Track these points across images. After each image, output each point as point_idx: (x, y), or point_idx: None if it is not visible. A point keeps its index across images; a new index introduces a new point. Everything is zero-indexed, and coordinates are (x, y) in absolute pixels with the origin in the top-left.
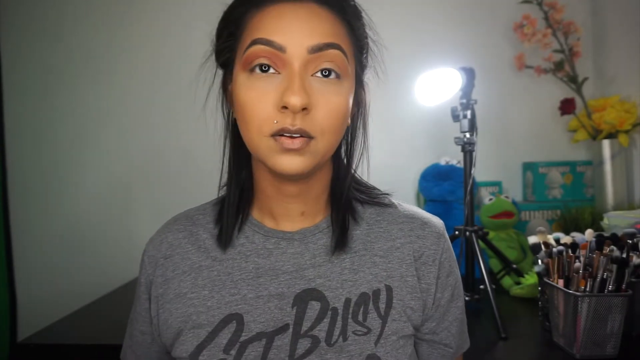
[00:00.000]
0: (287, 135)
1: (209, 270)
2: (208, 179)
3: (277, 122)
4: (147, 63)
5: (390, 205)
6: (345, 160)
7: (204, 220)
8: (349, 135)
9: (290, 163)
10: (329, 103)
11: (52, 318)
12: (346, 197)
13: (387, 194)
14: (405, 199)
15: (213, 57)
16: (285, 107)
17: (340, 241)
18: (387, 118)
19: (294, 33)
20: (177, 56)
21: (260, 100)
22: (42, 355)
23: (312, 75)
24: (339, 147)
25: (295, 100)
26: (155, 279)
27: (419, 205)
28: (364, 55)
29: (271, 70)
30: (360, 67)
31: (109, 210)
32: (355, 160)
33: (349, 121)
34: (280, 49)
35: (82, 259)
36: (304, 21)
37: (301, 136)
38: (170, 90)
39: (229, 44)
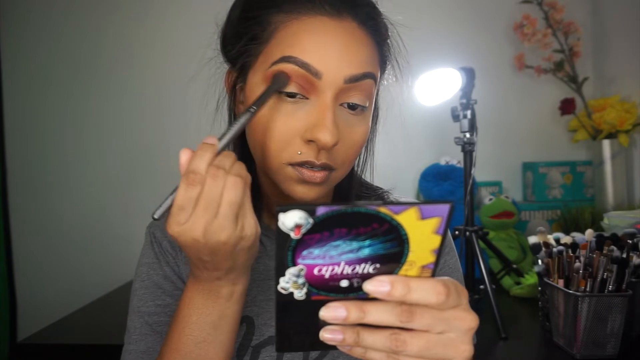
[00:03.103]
0: (309, 167)
1: None
2: None
3: (301, 153)
4: (149, 63)
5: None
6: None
7: None
8: None
9: (308, 193)
10: (354, 135)
11: (52, 318)
12: (351, 197)
13: (388, 192)
14: None
15: (219, 50)
16: (311, 141)
17: None
18: (387, 118)
19: (333, 58)
20: (179, 55)
21: (284, 124)
22: (42, 355)
23: (339, 105)
24: None
25: (327, 139)
26: (170, 248)
27: None
28: (385, 74)
29: (298, 96)
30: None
31: (109, 210)
32: (360, 164)
33: None
34: (316, 74)
35: (82, 259)
36: (344, 45)
37: (323, 169)
38: (172, 89)
39: (249, 47)
